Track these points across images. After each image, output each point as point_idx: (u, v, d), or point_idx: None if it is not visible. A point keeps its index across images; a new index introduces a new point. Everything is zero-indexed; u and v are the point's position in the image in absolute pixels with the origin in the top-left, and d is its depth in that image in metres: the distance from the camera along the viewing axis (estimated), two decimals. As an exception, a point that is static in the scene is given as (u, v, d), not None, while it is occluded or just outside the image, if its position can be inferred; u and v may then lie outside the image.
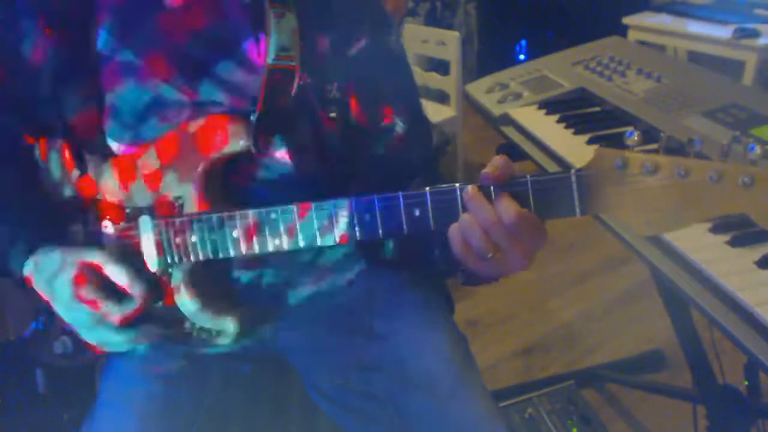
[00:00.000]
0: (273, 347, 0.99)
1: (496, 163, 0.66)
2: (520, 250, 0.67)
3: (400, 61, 0.93)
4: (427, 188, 0.69)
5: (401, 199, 0.70)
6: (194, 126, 0.81)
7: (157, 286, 0.84)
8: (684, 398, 1.57)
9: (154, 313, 0.85)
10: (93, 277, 0.80)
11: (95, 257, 0.81)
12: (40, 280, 0.82)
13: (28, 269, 0.83)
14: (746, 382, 1.38)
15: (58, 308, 0.82)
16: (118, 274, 0.80)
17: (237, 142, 0.79)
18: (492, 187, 0.66)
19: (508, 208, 0.64)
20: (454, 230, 0.68)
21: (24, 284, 0.84)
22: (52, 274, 0.81)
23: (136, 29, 0.82)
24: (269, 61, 0.80)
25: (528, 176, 0.65)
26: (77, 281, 0.80)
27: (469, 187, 0.67)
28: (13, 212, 0.87)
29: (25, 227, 0.85)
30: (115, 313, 0.80)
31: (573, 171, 0.63)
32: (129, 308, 0.80)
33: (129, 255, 0.83)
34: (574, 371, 1.90)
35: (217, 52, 0.82)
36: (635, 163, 0.60)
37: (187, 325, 0.86)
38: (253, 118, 0.79)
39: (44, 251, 0.82)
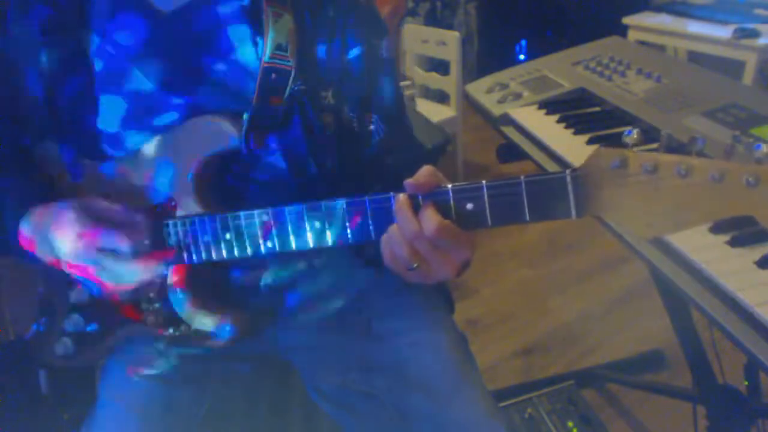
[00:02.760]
0: (273, 348, 0.99)
1: (420, 173, 0.68)
2: (444, 261, 0.68)
3: (389, 67, 0.93)
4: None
5: (392, 201, 0.70)
6: (187, 126, 0.81)
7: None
8: (684, 398, 1.57)
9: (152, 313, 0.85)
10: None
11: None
12: (43, 228, 0.80)
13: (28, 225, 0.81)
14: (746, 382, 1.38)
15: (66, 249, 0.79)
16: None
17: (228, 141, 0.79)
18: (419, 198, 0.67)
19: (430, 220, 0.66)
20: (384, 239, 0.70)
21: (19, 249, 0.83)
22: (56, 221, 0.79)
23: (130, 34, 0.82)
24: (265, 59, 0.80)
25: (522, 177, 0.64)
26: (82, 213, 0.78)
27: (400, 197, 0.68)
28: (11, 212, 0.87)
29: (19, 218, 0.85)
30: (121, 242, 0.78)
31: (568, 171, 0.61)
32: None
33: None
34: (574, 371, 1.90)
35: (212, 55, 0.82)
36: (634, 163, 0.58)
37: (184, 326, 0.86)
38: (245, 116, 0.79)
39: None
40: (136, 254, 0.78)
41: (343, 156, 0.89)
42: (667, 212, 0.58)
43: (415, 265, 0.68)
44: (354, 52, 0.87)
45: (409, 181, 0.68)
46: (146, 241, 0.79)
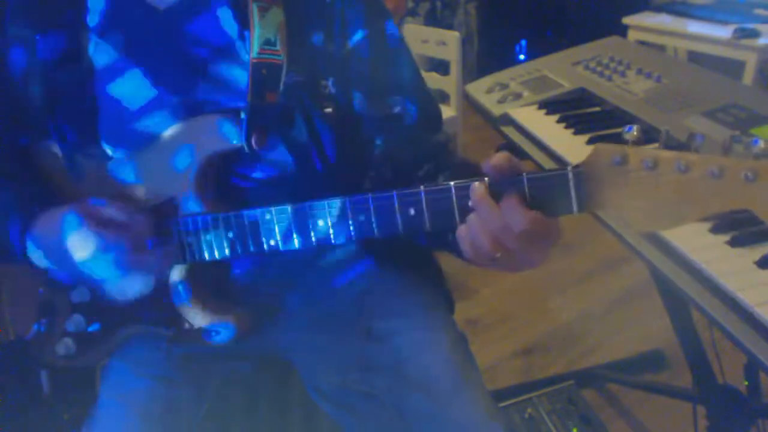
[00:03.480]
0: (273, 347, 0.99)
1: (496, 159, 0.64)
2: (530, 251, 0.65)
3: (400, 46, 0.90)
4: (422, 187, 0.67)
5: (396, 198, 0.68)
6: (188, 125, 0.81)
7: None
8: (684, 398, 1.57)
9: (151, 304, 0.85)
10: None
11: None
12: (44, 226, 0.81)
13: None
14: (746, 382, 1.38)
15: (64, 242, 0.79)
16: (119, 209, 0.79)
17: (228, 141, 0.79)
18: (499, 189, 0.64)
19: (518, 215, 0.62)
20: (462, 231, 0.67)
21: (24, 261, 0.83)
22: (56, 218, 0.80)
23: (128, 33, 0.82)
24: (253, 55, 0.80)
25: (524, 174, 0.63)
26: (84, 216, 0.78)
27: (480, 188, 0.64)
28: (12, 211, 0.87)
29: (23, 226, 0.85)
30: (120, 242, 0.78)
31: (570, 167, 0.62)
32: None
33: None
34: (574, 371, 1.90)
35: (209, 51, 0.82)
36: (634, 159, 0.58)
37: (186, 325, 0.86)
38: (242, 115, 0.79)
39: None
40: (137, 252, 0.78)
41: (349, 145, 0.88)
42: (667, 207, 0.58)
43: (498, 255, 0.65)
44: (357, 36, 0.86)
45: (487, 165, 0.63)
46: (148, 239, 0.79)
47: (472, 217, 0.65)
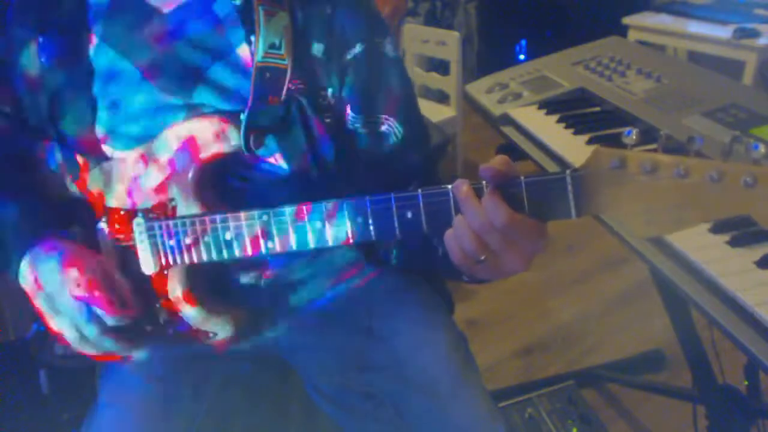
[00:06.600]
0: (273, 348, 0.99)
1: (494, 162, 0.64)
2: (514, 253, 0.65)
3: (395, 66, 0.90)
4: (420, 190, 0.67)
5: (393, 201, 0.68)
6: (186, 128, 0.81)
7: (152, 289, 0.84)
8: (684, 398, 1.57)
9: (150, 316, 0.85)
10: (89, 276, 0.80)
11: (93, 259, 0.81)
12: (33, 280, 0.81)
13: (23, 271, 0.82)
14: (746, 382, 1.38)
15: (49, 305, 0.81)
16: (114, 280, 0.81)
17: (227, 143, 0.79)
18: (485, 188, 0.64)
19: (498, 210, 0.62)
20: (449, 233, 0.67)
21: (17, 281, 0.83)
22: (46, 274, 0.80)
23: (129, 36, 0.83)
24: (258, 59, 0.80)
25: (522, 177, 0.63)
26: (73, 281, 0.79)
27: (463, 186, 0.65)
28: (10, 211, 0.87)
29: (22, 226, 0.85)
30: (107, 313, 0.79)
31: (568, 171, 0.61)
32: (122, 311, 0.80)
33: (124, 257, 0.83)
34: (574, 371, 1.90)
35: (210, 55, 0.82)
36: (633, 163, 0.58)
37: (185, 325, 0.86)
38: (242, 117, 0.79)
39: (37, 255, 0.82)
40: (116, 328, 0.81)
41: (345, 157, 0.88)
42: (665, 212, 0.58)
43: (483, 257, 0.65)
44: (354, 50, 0.86)
45: (484, 167, 0.63)
46: (131, 321, 0.82)
47: (458, 217, 0.66)
